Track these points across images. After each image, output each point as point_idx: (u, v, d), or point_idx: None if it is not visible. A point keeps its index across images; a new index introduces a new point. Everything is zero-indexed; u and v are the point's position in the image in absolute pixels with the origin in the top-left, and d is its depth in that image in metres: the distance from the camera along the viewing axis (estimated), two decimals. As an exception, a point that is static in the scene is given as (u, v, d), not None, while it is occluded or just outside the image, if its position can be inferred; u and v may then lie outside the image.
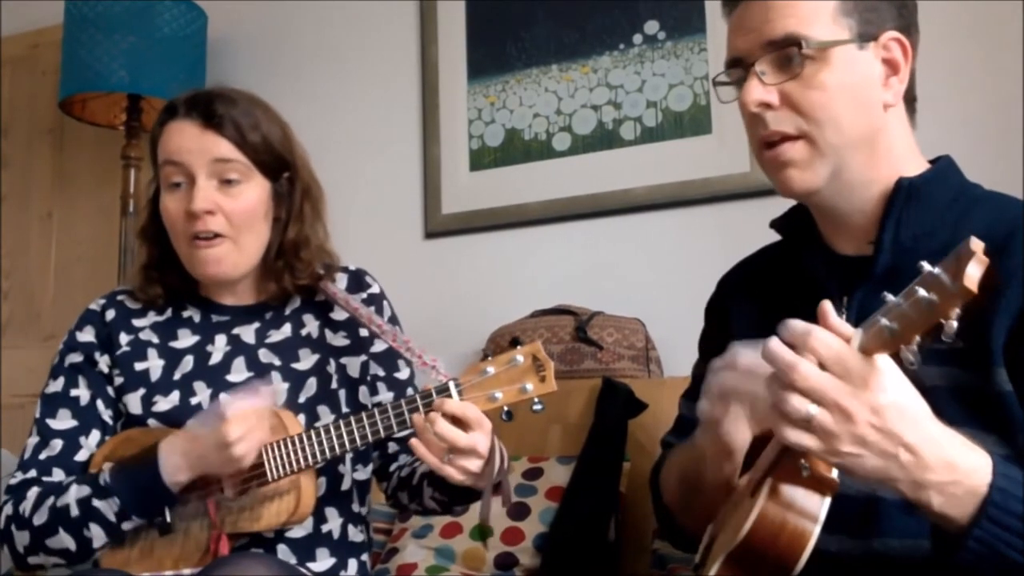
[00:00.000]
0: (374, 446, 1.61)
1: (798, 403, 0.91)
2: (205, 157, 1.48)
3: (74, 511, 1.41)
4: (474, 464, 1.31)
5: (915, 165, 1.19)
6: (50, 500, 1.43)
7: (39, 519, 1.42)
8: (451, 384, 1.35)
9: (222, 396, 1.50)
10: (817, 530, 0.97)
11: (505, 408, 1.35)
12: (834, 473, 0.98)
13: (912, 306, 0.82)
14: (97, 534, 1.41)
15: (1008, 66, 2.14)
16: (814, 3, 1.14)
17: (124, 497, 1.39)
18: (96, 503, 1.40)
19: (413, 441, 1.33)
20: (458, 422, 1.30)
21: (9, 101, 3.31)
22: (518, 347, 1.36)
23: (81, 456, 1.52)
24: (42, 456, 1.51)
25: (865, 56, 1.15)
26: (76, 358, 1.57)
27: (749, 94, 1.16)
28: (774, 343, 0.93)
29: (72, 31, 2.70)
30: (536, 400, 1.34)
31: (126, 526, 1.41)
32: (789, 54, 1.14)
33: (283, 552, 1.48)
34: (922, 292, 0.81)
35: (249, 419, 1.36)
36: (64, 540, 1.41)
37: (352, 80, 2.86)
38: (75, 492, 1.42)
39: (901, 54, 1.17)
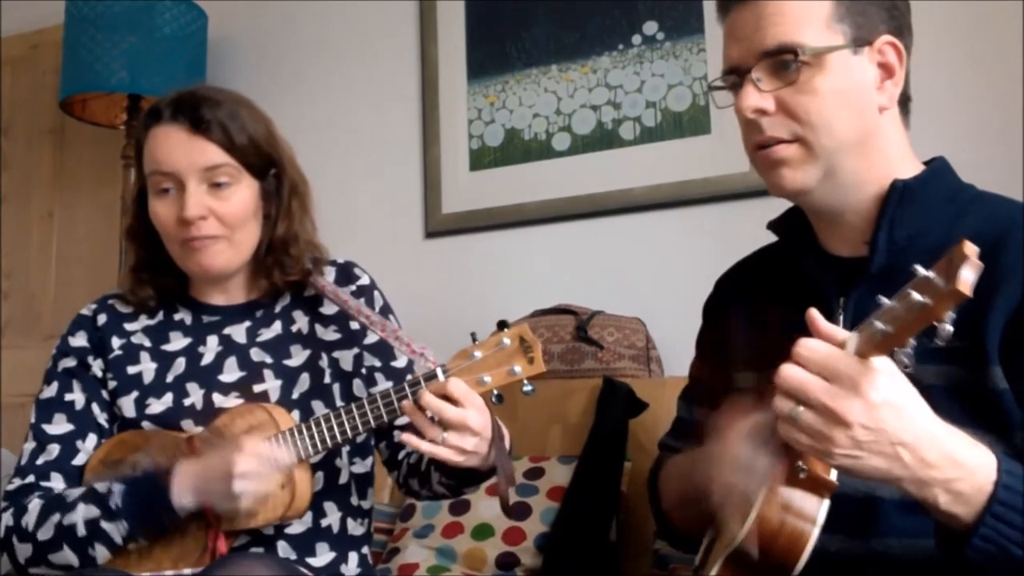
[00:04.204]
0: (379, 437, 1.61)
1: (782, 403, 0.93)
2: (195, 165, 1.47)
3: (81, 531, 1.40)
4: (468, 442, 1.31)
5: (909, 166, 1.20)
6: (55, 517, 1.42)
7: (44, 535, 1.41)
8: (439, 370, 1.36)
9: (215, 396, 1.51)
10: (816, 531, 0.98)
11: (495, 391, 1.36)
12: (832, 475, 0.99)
13: (905, 308, 0.83)
14: (101, 553, 1.40)
15: (1008, 66, 2.14)
16: (806, 9, 1.14)
17: (132, 520, 1.39)
18: (104, 525, 1.39)
19: (404, 436, 1.34)
20: (449, 402, 1.32)
21: (10, 101, 3.31)
22: (505, 330, 1.36)
23: (78, 460, 1.51)
24: (39, 461, 1.51)
25: (859, 61, 1.16)
26: (70, 363, 1.57)
27: (744, 101, 1.16)
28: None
29: (72, 31, 2.70)
30: (525, 382, 1.35)
31: (131, 547, 1.41)
32: (784, 61, 1.14)
33: (283, 548, 1.48)
34: (915, 295, 0.81)
35: (263, 463, 1.35)
36: (68, 556, 1.41)
37: (352, 80, 2.86)
38: (83, 512, 1.40)
39: (895, 57, 1.17)
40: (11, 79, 3.32)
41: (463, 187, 2.65)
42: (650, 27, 2.50)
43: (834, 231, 1.23)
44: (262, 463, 1.35)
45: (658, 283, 2.40)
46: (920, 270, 0.82)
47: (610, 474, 1.97)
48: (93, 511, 1.40)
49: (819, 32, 1.14)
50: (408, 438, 1.33)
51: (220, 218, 1.49)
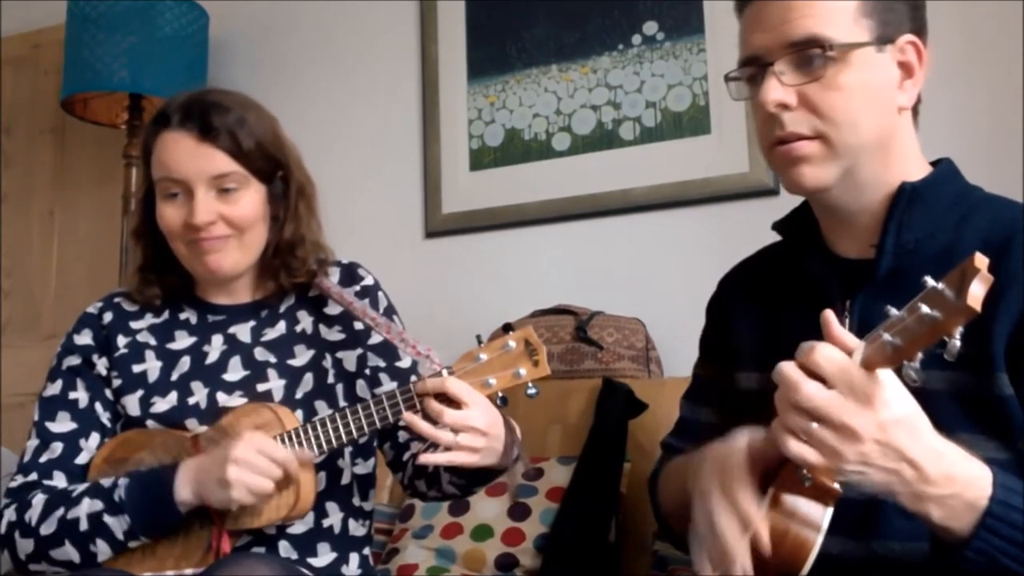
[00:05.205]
0: (383, 438, 1.61)
1: (799, 420, 0.92)
2: (203, 173, 1.48)
3: (84, 525, 1.40)
4: (478, 441, 1.32)
5: (919, 167, 1.19)
6: (59, 511, 1.42)
7: (46, 529, 1.42)
8: (444, 372, 1.36)
9: (219, 395, 1.52)
10: (820, 539, 0.97)
11: (500, 394, 1.37)
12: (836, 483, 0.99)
13: (915, 321, 0.82)
14: (103, 549, 1.41)
15: (1008, 66, 2.14)
16: (835, 3, 1.13)
17: (135, 515, 1.40)
18: (107, 519, 1.40)
19: (422, 457, 1.33)
20: (452, 404, 1.32)
21: (11, 100, 3.31)
22: (510, 333, 1.37)
23: (81, 459, 1.52)
24: (42, 459, 1.51)
25: (883, 59, 1.15)
26: (74, 361, 1.58)
27: (767, 94, 1.14)
28: (783, 364, 0.94)
29: (74, 30, 2.70)
30: (530, 384, 1.36)
31: (132, 544, 1.42)
32: (810, 55, 1.12)
33: (284, 548, 1.49)
34: (925, 308, 0.80)
35: (260, 456, 1.34)
36: (69, 552, 1.41)
37: (353, 80, 2.86)
38: (87, 506, 1.41)
39: (916, 57, 1.17)
40: (12, 78, 3.32)
41: (463, 187, 2.65)
42: (650, 27, 2.50)
43: (843, 231, 1.22)
44: (259, 456, 1.34)
45: (658, 283, 2.40)
46: (931, 282, 0.81)
47: (609, 475, 1.97)
48: (97, 505, 1.41)
49: (846, 27, 1.13)
50: (426, 458, 1.33)
51: (229, 222, 1.50)
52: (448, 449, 1.32)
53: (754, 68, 1.18)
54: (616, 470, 1.98)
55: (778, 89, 1.14)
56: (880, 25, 1.14)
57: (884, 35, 1.14)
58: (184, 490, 1.39)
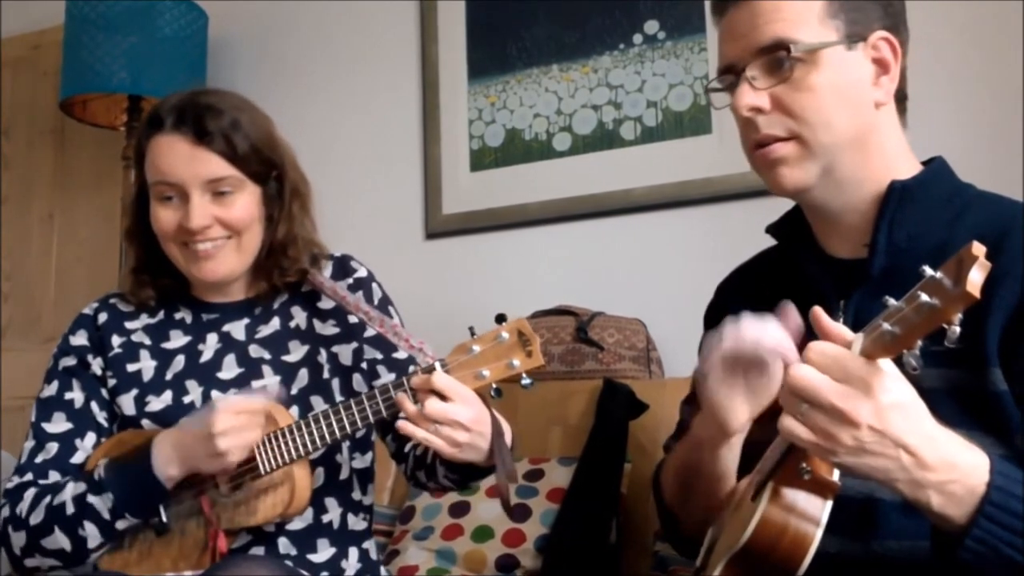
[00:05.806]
0: (383, 431, 1.61)
1: (790, 401, 0.92)
2: (198, 178, 1.47)
3: (70, 508, 1.41)
4: (461, 435, 1.31)
5: (907, 165, 1.20)
6: (47, 499, 1.44)
7: (36, 518, 1.43)
8: (437, 364, 1.35)
9: (214, 393, 1.52)
10: (819, 533, 0.97)
11: (493, 385, 1.36)
12: (835, 476, 0.98)
13: (914, 310, 0.82)
14: (92, 533, 1.41)
15: (1008, 66, 2.13)
16: (800, 6, 1.15)
17: (117, 491, 1.40)
18: (91, 499, 1.41)
19: (399, 423, 1.34)
20: (444, 398, 1.32)
21: (10, 102, 3.31)
22: (503, 324, 1.36)
23: (77, 458, 1.52)
24: (38, 459, 1.52)
25: (854, 57, 1.16)
26: (70, 361, 1.58)
27: (740, 99, 1.16)
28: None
29: (73, 32, 2.70)
30: (524, 375, 1.35)
31: (120, 524, 1.42)
32: (778, 58, 1.14)
33: (284, 545, 1.49)
34: (924, 296, 0.80)
35: (239, 415, 1.36)
36: (59, 540, 1.42)
37: (353, 81, 2.86)
38: (71, 489, 1.43)
39: (891, 53, 1.17)
40: (11, 80, 3.33)
41: (464, 188, 2.65)
42: (651, 26, 2.50)
43: (833, 232, 1.23)
44: (239, 416, 1.36)
45: (659, 284, 2.39)
46: (928, 271, 0.81)
47: (610, 476, 1.97)
48: (80, 487, 1.43)
49: (813, 29, 1.14)
50: (403, 425, 1.33)
51: (225, 224, 1.50)
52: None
53: (731, 77, 1.20)
54: (617, 471, 1.98)
55: (750, 93, 1.16)
56: (848, 24, 1.15)
57: (853, 33, 1.15)
58: (172, 468, 1.39)
